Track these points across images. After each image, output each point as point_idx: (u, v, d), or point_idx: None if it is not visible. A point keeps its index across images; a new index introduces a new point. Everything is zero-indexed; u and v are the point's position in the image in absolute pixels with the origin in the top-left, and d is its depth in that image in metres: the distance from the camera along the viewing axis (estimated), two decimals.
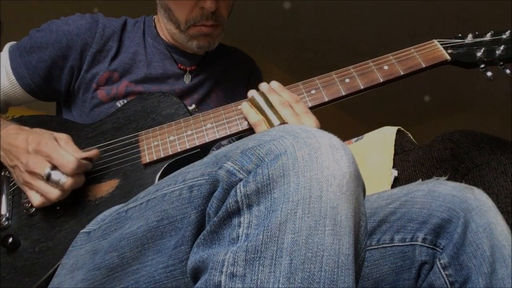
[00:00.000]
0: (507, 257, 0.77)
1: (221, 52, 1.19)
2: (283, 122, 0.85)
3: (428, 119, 4.62)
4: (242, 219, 0.55)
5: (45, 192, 0.85)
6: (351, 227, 0.54)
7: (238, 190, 0.55)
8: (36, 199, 0.86)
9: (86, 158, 0.87)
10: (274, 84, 0.92)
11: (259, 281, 0.50)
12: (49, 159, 0.84)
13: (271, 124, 0.86)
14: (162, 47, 1.13)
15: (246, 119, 0.91)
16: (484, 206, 0.81)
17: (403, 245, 0.84)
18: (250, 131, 0.93)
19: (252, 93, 0.91)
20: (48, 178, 0.84)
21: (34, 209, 0.90)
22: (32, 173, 0.85)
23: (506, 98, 3.81)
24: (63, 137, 0.89)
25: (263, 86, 0.92)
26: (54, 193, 0.85)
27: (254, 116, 0.89)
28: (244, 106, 0.91)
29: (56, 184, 0.84)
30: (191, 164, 0.69)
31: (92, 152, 0.89)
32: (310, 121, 0.87)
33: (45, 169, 0.84)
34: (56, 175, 0.84)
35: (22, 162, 0.86)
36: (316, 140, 0.56)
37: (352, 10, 3.39)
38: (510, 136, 1.35)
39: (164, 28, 1.12)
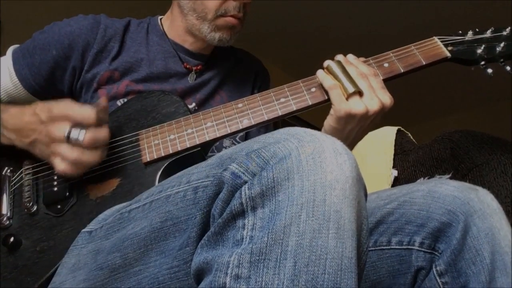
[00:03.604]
0: (508, 264, 0.74)
1: (227, 53, 1.18)
2: (357, 91, 0.85)
3: (428, 119, 4.62)
4: (246, 221, 0.55)
5: (66, 154, 0.83)
6: (354, 231, 0.55)
7: (243, 193, 0.56)
8: (58, 165, 0.84)
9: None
10: (351, 56, 0.91)
11: (263, 283, 0.51)
12: (67, 119, 0.83)
13: (346, 91, 0.85)
14: (168, 45, 1.12)
15: (320, 85, 0.90)
16: (488, 209, 0.78)
17: (400, 249, 0.83)
18: (250, 129, 0.93)
19: (327, 62, 0.90)
20: (68, 139, 0.82)
21: (35, 208, 0.90)
22: (54, 140, 0.83)
23: (506, 97, 3.81)
24: (66, 100, 0.87)
25: (339, 56, 0.91)
26: (74, 152, 0.82)
27: (330, 81, 0.87)
28: (319, 72, 0.90)
29: (76, 141, 0.82)
30: (195, 165, 0.69)
31: (101, 102, 0.87)
32: (385, 97, 0.86)
33: (65, 130, 0.82)
34: (74, 133, 0.82)
35: (41, 133, 0.85)
36: (320, 144, 0.57)
37: (352, 8, 3.40)
38: (510, 136, 1.35)
39: (180, 23, 1.11)
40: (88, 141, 0.82)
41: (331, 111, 0.87)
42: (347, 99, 0.85)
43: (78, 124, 0.83)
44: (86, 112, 0.83)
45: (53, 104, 0.86)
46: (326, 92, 0.89)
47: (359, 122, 0.86)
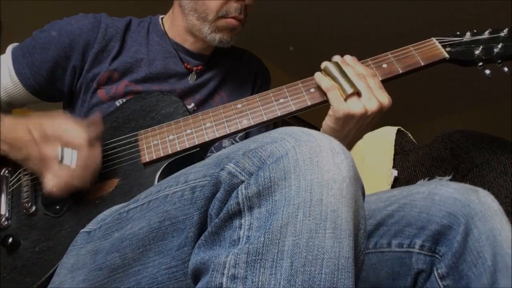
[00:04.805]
0: (510, 266, 0.73)
1: (228, 53, 1.18)
2: (355, 91, 0.85)
3: (428, 119, 4.62)
4: (243, 221, 0.55)
5: (58, 174, 0.83)
6: (351, 230, 0.55)
7: (239, 192, 0.56)
8: (49, 182, 0.84)
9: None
10: (348, 57, 0.91)
11: (260, 283, 0.51)
12: (59, 139, 0.83)
13: (344, 92, 0.85)
14: (168, 45, 1.11)
15: (317, 87, 0.90)
16: (489, 210, 0.77)
17: (400, 251, 0.83)
18: (249, 130, 0.93)
19: (324, 63, 0.90)
20: (61, 160, 0.82)
21: (34, 209, 0.90)
22: (46, 160, 0.84)
23: (506, 97, 3.81)
24: (60, 116, 0.87)
25: (336, 57, 0.91)
26: (65, 174, 0.83)
27: (327, 82, 0.87)
28: (317, 74, 0.90)
29: (67, 166, 0.82)
30: (193, 165, 0.69)
31: (94, 117, 0.88)
32: (384, 97, 0.86)
33: (58, 152, 0.82)
34: (67, 158, 0.82)
35: (34, 151, 0.85)
36: (317, 143, 0.57)
37: (351, 9, 3.40)
38: (510, 136, 1.35)
39: (180, 22, 1.10)
40: (79, 167, 0.83)
41: (330, 112, 0.87)
42: (345, 100, 0.85)
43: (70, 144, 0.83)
44: (77, 134, 0.83)
45: (46, 122, 0.86)
46: (325, 93, 0.89)
47: (357, 122, 0.86)
